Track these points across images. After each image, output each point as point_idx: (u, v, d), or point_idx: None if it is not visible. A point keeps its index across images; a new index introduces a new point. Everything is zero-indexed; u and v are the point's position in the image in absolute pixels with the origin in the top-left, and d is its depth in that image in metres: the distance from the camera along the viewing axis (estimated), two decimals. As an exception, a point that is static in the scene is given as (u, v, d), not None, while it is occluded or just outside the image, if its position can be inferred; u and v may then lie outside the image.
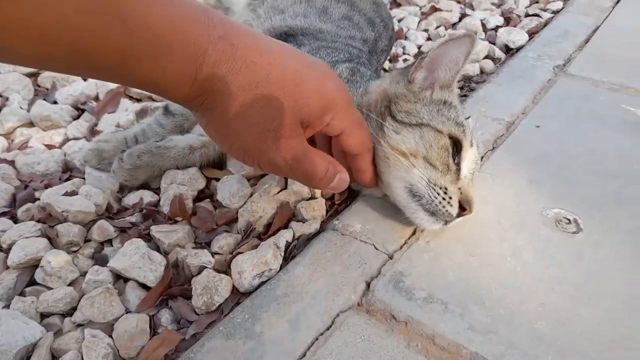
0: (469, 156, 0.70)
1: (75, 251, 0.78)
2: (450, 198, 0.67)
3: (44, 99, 1.12)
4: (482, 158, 0.87)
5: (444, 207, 0.67)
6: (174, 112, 0.91)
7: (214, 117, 0.51)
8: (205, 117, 0.52)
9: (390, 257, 0.69)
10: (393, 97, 0.72)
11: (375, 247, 0.71)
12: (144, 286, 0.71)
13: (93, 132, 1.02)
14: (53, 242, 0.76)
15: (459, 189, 0.68)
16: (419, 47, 1.36)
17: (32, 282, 0.72)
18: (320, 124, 0.57)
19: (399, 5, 1.63)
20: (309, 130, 0.58)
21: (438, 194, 0.66)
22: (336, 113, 0.57)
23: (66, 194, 0.85)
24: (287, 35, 0.93)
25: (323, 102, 0.55)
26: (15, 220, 0.81)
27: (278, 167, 0.56)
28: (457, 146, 0.69)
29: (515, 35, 1.30)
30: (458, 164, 0.69)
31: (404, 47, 1.33)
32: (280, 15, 1.01)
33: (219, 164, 0.91)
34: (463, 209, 0.67)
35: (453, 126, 0.69)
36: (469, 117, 0.86)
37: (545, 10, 1.51)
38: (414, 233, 0.73)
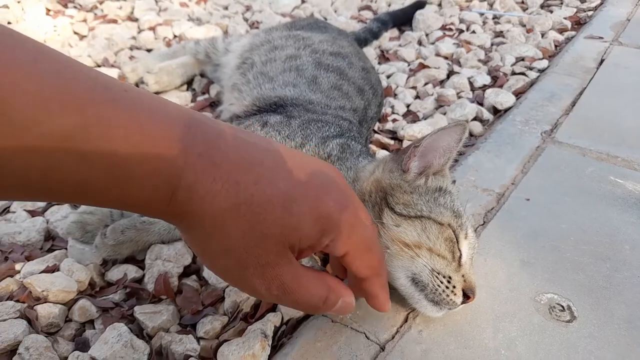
0: (469, 242, 0.70)
1: (55, 332, 0.75)
2: (454, 287, 0.66)
3: None
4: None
5: (447, 296, 0.66)
6: None
7: (193, 236, 0.47)
8: (186, 235, 0.48)
9: (382, 349, 0.67)
10: (388, 188, 0.71)
11: (366, 337, 0.69)
12: (125, 376, 0.68)
13: (77, 196, 1.00)
14: (32, 324, 0.73)
15: (463, 276, 0.68)
16: (408, 105, 1.37)
17: (8, 370, 0.69)
18: (319, 246, 0.49)
19: (387, 59, 1.65)
20: (307, 252, 0.50)
21: (442, 282, 0.66)
22: (337, 235, 0.49)
23: (47, 269, 0.82)
24: (277, 106, 0.93)
25: (319, 224, 0.47)
26: (-8, 298, 0.78)
27: (263, 296, 0.50)
28: (456, 234, 0.69)
29: (502, 97, 1.32)
30: (460, 251, 0.69)
31: (392, 107, 1.34)
32: (269, 84, 1.01)
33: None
34: (467, 296, 0.67)
35: (451, 217, 0.69)
36: (454, 181, 0.86)
37: (531, 69, 1.54)
38: (405, 320, 0.71)
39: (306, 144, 0.81)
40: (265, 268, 0.46)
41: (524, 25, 1.91)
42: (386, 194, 0.70)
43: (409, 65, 1.60)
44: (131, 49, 1.66)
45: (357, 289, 0.58)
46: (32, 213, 0.96)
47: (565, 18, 1.92)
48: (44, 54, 0.36)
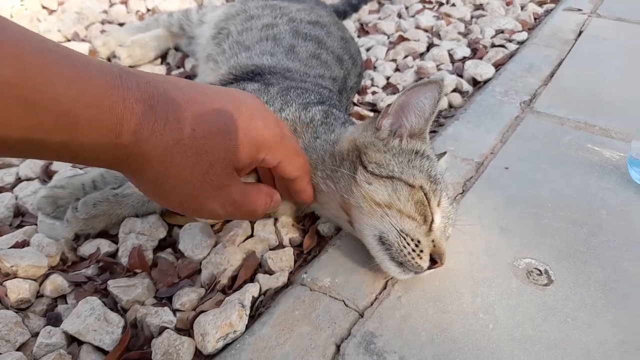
0: (442, 210, 0.69)
1: (26, 308, 0.72)
2: (422, 251, 0.66)
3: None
4: (451, 203, 0.86)
5: (413, 258, 0.65)
6: None
7: (145, 177, 0.50)
8: (135, 179, 0.51)
9: (361, 315, 0.67)
10: (362, 146, 0.71)
11: (345, 304, 0.68)
12: (100, 349, 0.66)
13: (47, 172, 0.97)
14: (1, 300, 0.71)
15: (432, 241, 0.67)
16: (387, 78, 1.35)
17: (-23, 347, 0.66)
18: (256, 163, 0.58)
19: (367, 33, 1.63)
20: (246, 169, 0.58)
21: (408, 244, 0.65)
22: (269, 149, 0.57)
23: (17, 244, 0.79)
24: (254, 74, 0.90)
25: (254, 143, 0.55)
26: (-41, 275, 0.75)
27: (219, 216, 0.57)
28: (428, 198, 0.68)
29: (482, 69, 1.31)
30: (432, 216, 0.68)
31: (372, 79, 1.32)
32: (246, 53, 0.98)
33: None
34: (434, 261, 0.66)
35: (425, 180, 0.68)
36: (444, 153, 0.85)
37: (510, 41, 1.53)
38: (384, 287, 0.71)
39: (285, 109, 0.79)
40: (218, 190, 0.53)
41: (503, -2, 1.90)
42: (360, 153, 0.70)
43: (388, 38, 1.58)
44: (102, 22, 1.60)
45: (286, 191, 0.69)
46: (0, 189, 0.93)
47: (544, -9, 1.91)
48: None
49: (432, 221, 0.68)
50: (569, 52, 1.41)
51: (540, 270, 0.74)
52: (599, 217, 0.83)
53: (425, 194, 0.67)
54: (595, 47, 1.45)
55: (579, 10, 1.69)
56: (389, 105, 0.71)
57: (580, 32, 1.53)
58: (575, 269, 0.74)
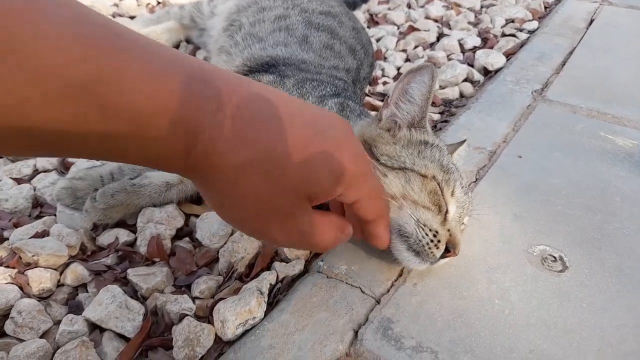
0: (456, 200, 0.70)
1: (48, 297, 0.74)
2: (439, 241, 0.66)
3: None
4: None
5: (430, 248, 0.66)
6: None
7: (212, 190, 0.46)
8: (202, 189, 0.48)
9: (378, 302, 0.68)
10: (371, 140, 0.72)
11: (361, 291, 0.69)
12: (121, 336, 0.67)
13: (64, 163, 0.98)
14: (24, 289, 0.72)
15: (448, 230, 0.67)
16: (398, 68, 1.36)
17: (2, 334, 0.68)
18: (332, 195, 0.51)
19: (376, 23, 1.63)
20: (321, 200, 0.51)
21: (426, 234, 0.66)
22: (349, 185, 0.51)
23: (37, 234, 0.81)
24: (268, 66, 0.91)
25: (334, 176, 0.49)
26: (-18, 265, 0.77)
27: (280, 243, 0.53)
28: (441, 187, 0.68)
29: (493, 58, 1.31)
30: (446, 206, 0.68)
31: (382, 69, 1.32)
32: (259, 44, 0.99)
33: (197, 199, 0.88)
34: (448, 250, 0.67)
35: (437, 170, 0.69)
36: (464, 141, 0.85)
37: (521, 30, 1.52)
38: (400, 274, 0.72)
39: None
40: (285, 219, 0.48)
41: (513, -12, 1.89)
42: (370, 147, 0.70)
43: (398, 28, 1.58)
44: (113, 16, 1.61)
45: (360, 231, 0.62)
46: (19, 180, 0.94)
47: (554, -21, 1.89)
48: (58, 2, 0.34)
49: (447, 211, 0.68)
50: (581, 40, 1.40)
51: (554, 257, 0.74)
52: (612, 205, 0.83)
53: (439, 184, 0.68)
54: (607, 35, 1.44)
55: (590, -2, 1.68)
56: (388, 96, 0.72)
57: (592, 21, 1.52)
58: (589, 255, 0.74)
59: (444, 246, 0.66)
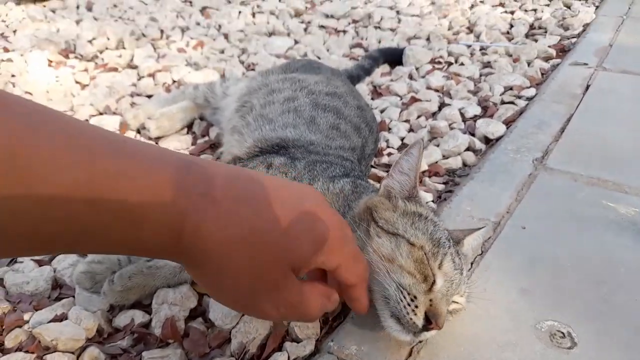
0: (444, 273, 0.72)
1: (65, 382, 0.75)
2: (417, 307, 0.67)
3: None
4: (472, 264, 0.88)
5: (408, 314, 0.67)
6: None
7: (203, 273, 0.50)
8: (194, 273, 0.51)
9: (388, 383, 0.68)
10: (372, 205, 0.78)
11: (372, 373, 0.70)
12: (136, 423, 0.68)
13: (83, 244, 1.02)
14: (42, 374, 0.74)
15: (430, 300, 0.69)
16: (402, 139, 1.41)
17: (20, 423, 0.69)
18: (314, 264, 0.54)
19: (380, 95, 1.70)
20: (303, 271, 0.55)
21: (404, 297, 0.68)
22: (330, 252, 0.54)
23: (55, 317, 0.83)
24: (279, 147, 0.96)
25: (315, 245, 0.52)
26: (2, 349, 0.79)
27: (272, 317, 0.55)
28: (427, 258, 0.71)
29: (493, 127, 1.36)
30: (433, 277, 0.70)
31: (387, 141, 1.37)
32: (269, 125, 1.04)
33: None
34: (429, 322, 0.67)
35: (426, 241, 0.72)
36: (483, 228, 0.86)
37: (519, 97, 1.58)
38: (410, 354, 0.73)
39: (313, 183, 0.84)
40: (273, 292, 0.51)
41: (510, 55, 1.97)
42: (372, 211, 0.76)
43: (401, 99, 1.65)
44: (132, 95, 1.71)
45: (341, 295, 0.63)
46: (40, 262, 0.98)
47: (549, 46, 1.98)
48: (50, 115, 0.40)
49: (434, 282, 0.70)
50: (578, 106, 1.45)
51: (563, 333, 0.75)
52: (618, 276, 0.84)
53: (425, 254, 0.71)
54: (603, 101, 1.49)
55: (585, 64, 1.75)
56: (388, 172, 0.80)
57: (588, 87, 1.58)
58: (597, 330, 0.75)
59: (422, 314, 0.67)
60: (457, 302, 0.75)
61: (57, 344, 0.78)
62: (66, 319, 0.83)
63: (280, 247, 0.50)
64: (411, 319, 0.67)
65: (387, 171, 1.23)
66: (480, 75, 1.81)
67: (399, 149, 1.36)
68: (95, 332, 0.82)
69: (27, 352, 0.77)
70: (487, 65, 1.89)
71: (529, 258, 0.89)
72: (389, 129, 1.46)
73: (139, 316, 0.84)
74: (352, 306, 0.66)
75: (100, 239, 0.42)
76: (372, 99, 1.68)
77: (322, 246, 0.53)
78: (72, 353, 0.78)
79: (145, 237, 0.43)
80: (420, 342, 0.73)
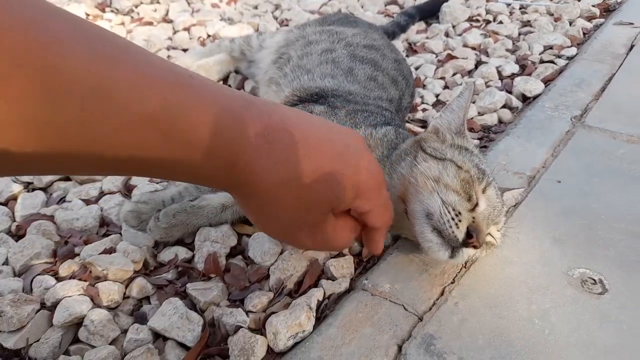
0: (487, 198, 0.75)
1: (115, 308, 0.81)
2: (460, 221, 0.70)
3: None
4: (505, 214, 0.89)
5: (450, 227, 0.70)
6: None
7: (250, 203, 0.54)
8: (241, 202, 0.55)
9: (420, 319, 0.71)
10: (421, 139, 0.83)
11: (404, 308, 0.73)
12: (182, 345, 0.73)
13: (127, 186, 1.07)
14: (94, 300, 0.80)
15: (473, 218, 0.71)
16: (437, 95, 1.40)
17: (76, 340, 0.75)
18: (349, 206, 0.59)
19: (415, 52, 1.68)
20: (339, 210, 0.59)
21: (449, 212, 0.70)
22: (366, 198, 0.58)
23: (105, 251, 0.89)
24: (318, 96, 0.98)
25: (355, 191, 0.56)
26: (57, 278, 0.85)
27: (308, 247, 0.61)
28: (472, 180, 0.75)
29: (531, 85, 1.34)
30: (476, 198, 0.73)
31: (422, 97, 1.37)
32: (308, 75, 1.05)
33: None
34: (470, 235, 0.70)
35: (472, 167, 0.76)
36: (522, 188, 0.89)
37: (559, 57, 1.55)
38: (442, 294, 0.75)
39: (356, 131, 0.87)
40: (313, 228, 0.56)
41: (551, 14, 1.92)
42: (420, 143, 0.81)
43: (436, 56, 1.63)
44: (168, 49, 1.73)
45: (363, 234, 0.68)
46: (87, 202, 1.03)
47: (593, 5, 1.91)
48: (124, 44, 0.42)
49: (477, 204, 0.73)
50: (620, 66, 1.41)
51: (594, 280, 0.76)
52: (653, 229, 0.85)
53: (471, 177, 0.74)
54: (647, 61, 1.45)
55: (631, 24, 1.69)
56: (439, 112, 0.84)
57: (632, 46, 1.53)
58: (629, 278, 0.76)
59: (465, 228, 0.70)
60: (493, 237, 0.77)
61: (107, 273, 0.83)
62: (115, 252, 0.88)
63: (323, 192, 0.53)
64: (453, 232, 0.69)
65: (422, 126, 1.25)
66: (519, 34, 1.77)
67: (434, 105, 1.36)
68: (142, 266, 0.87)
69: (80, 280, 0.83)
70: (527, 24, 1.85)
71: (563, 210, 0.90)
72: (424, 85, 1.45)
73: (182, 252, 0.89)
74: (369, 246, 0.69)
75: (167, 166, 0.45)
76: (407, 56, 1.66)
77: (360, 193, 0.57)
78: (121, 283, 0.83)
79: (206, 167, 0.46)
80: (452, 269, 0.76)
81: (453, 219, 0.70)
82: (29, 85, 0.34)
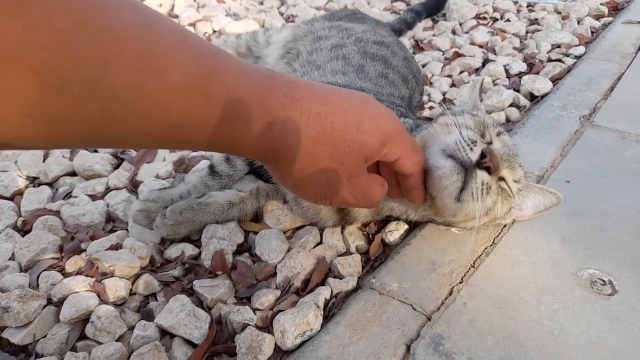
0: (502, 140, 0.79)
1: (122, 304, 0.81)
2: (475, 146, 0.69)
3: (86, 148, 1.17)
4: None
5: (464, 149, 0.69)
6: (220, 174, 0.94)
7: (286, 168, 0.56)
8: (278, 169, 0.57)
9: (429, 319, 0.71)
10: (440, 116, 0.86)
11: (413, 308, 0.72)
12: (189, 342, 0.73)
13: (133, 182, 1.07)
14: (101, 296, 0.79)
15: (487, 145, 0.73)
16: (444, 93, 1.39)
17: (83, 336, 0.75)
18: (379, 156, 0.61)
19: (422, 49, 1.67)
20: (370, 162, 0.61)
21: (464, 141, 0.70)
22: (393, 144, 0.61)
23: (111, 247, 0.88)
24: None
25: (382, 137, 0.59)
26: (64, 273, 0.84)
27: (349, 203, 0.63)
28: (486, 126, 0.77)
29: (539, 83, 1.33)
30: (490, 138, 0.76)
31: (429, 95, 1.36)
32: (318, 71, 1.05)
33: (256, 217, 0.94)
34: (484, 156, 0.69)
35: (487, 119, 0.79)
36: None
37: (567, 55, 1.54)
38: (450, 293, 0.75)
39: None
40: (351, 179, 0.59)
41: (559, 13, 1.90)
42: (438, 117, 0.84)
43: (443, 54, 1.62)
44: (173, 44, 1.73)
45: (400, 188, 0.72)
46: (93, 197, 1.03)
47: (601, 4, 1.90)
48: (165, 18, 0.45)
49: (491, 142, 0.75)
50: (629, 65, 1.40)
51: (604, 281, 0.75)
52: (663, 231, 0.84)
53: (485, 122, 0.76)
54: (656, 61, 1.44)
55: (639, 22, 1.68)
56: None
57: (641, 46, 1.52)
58: (639, 280, 0.75)
59: (479, 151, 0.69)
60: (509, 185, 0.76)
61: (114, 269, 0.83)
62: (121, 248, 0.88)
63: (355, 141, 0.56)
64: (467, 153, 0.69)
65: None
66: (527, 33, 1.75)
67: (440, 103, 1.35)
68: (148, 262, 0.87)
69: (87, 275, 0.82)
70: (534, 22, 1.83)
71: (572, 210, 0.89)
72: (431, 83, 1.45)
73: (188, 249, 0.88)
74: (410, 196, 0.72)
75: (210, 134, 0.47)
76: (414, 53, 1.65)
77: (387, 138, 0.60)
78: (128, 279, 0.83)
79: (244, 131, 0.49)
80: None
81: (468, 145, 0.69)
82: (89, 43, 0.35)
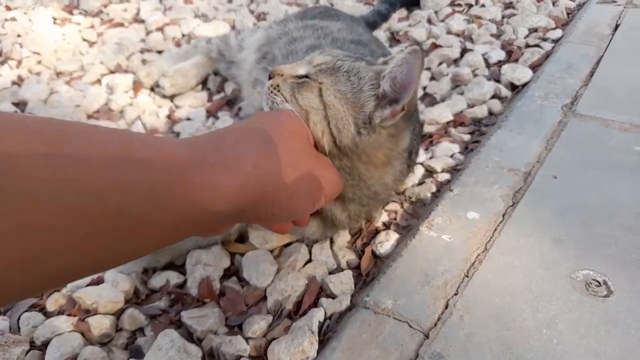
0: None
1: (108, 342, 0.78)
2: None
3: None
4: (503, 216, 0.87)
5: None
6: None
7: (268, 208, 0.56)
8: (256, 214, 0.56)
9: (426, 336, 0.69)
10: None
11: (409, 325, 0.71)
12: (181, 380, 0.71)
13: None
14: (85, 335, 0.76)
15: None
16: (424, 88, 1.37)
17: (69, 382, 0.72)
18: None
19: (398, 42, 1.64)
20: (311, 141, 0.68)
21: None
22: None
23: (92, 282, 0.85)
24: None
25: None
26: (45, 313, 0.81)
27: (311, 211, 0.66)
28: None
29: (519, 72, 1.31)
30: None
31: (409, 90, 1.33)
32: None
33: (240, 238, 0.91)
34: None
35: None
36: None
37: (545, 40, 1.52)
38: (446, 307, 0.73)
39: None
40: (320, 198, 0.64)
41: (533, -6, 1.88)
42: None
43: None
44: (142, 52, 1.67)
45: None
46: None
47: (575, -17, 1.88)
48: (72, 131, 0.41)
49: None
50: (607, 48, 1.39)
51: (598, 282, 0.75)
52: (654, 223, 0.83)
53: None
54: (633, 41, 1.43)
55: (614, 2, 1.67)
56: None
57: (617, 26, 1.51)
58: (633, 278, 0.74)
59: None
60: None
61: (97, 307, 0.79)
62: (103, 282, 0.85)
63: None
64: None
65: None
66: (503, 17, 1.73)
67: (422, 98, 1.32)
68: (133, 294, 0.84)
69: (69, 315, 0.79)
70: (509, 5, 1.81)
71: (561, 208, 0.88)
72: (410, 78, 1.42)
73: (173, 277, 0.85)
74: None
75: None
76: (391, 46, 1.62)
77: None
78: (113, 314, 0.80)
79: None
80: None
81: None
82: None
